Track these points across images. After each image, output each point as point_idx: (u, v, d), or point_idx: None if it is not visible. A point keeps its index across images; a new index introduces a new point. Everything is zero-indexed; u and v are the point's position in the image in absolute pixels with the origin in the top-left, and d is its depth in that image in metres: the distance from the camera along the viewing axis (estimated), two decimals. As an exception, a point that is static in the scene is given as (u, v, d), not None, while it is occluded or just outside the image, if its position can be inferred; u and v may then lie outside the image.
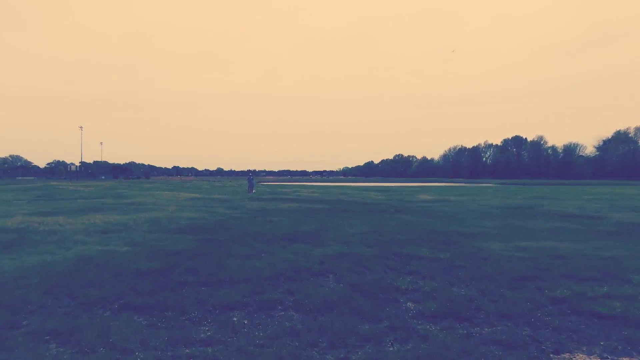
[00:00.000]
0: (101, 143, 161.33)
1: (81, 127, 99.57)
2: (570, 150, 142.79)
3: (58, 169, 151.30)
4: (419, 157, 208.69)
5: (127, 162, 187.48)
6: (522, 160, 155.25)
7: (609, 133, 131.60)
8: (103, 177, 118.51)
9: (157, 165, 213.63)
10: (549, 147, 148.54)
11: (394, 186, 52.36)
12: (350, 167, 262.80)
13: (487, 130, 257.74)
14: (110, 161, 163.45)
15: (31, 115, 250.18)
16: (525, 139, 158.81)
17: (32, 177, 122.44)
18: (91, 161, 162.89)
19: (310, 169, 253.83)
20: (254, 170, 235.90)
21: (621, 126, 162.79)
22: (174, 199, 23.19)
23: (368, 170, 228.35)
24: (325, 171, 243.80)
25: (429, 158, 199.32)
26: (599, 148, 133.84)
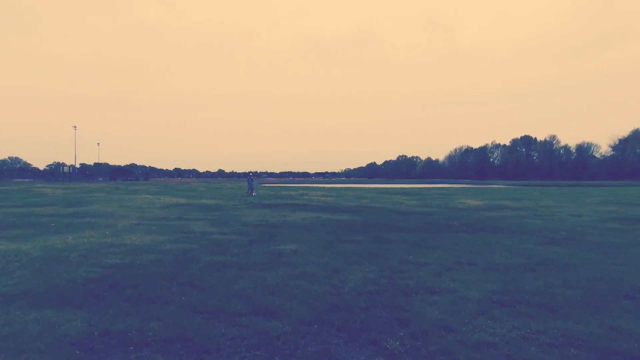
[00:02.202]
0: (98, 144, 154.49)
1: (75, 127, 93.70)
2: (584, 150, 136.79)
3: (57, 171, 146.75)
4: (422, 158, 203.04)
5: (128, 163, 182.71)
6: (532, 160, 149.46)
7: (625, 132, 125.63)
8: (100, 179, 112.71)
9: (159, 167, 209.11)
10: (561, 147, 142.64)
11: (413, 188, 46.45)
12: (352, 168, 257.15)
13: (492, 131, 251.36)
14: (112, 163, 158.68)
15: (33, 117, 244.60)
16: (535, 138, 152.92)
17: (29, 179, 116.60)
18: (92, 163, 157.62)
19: (311, 171, 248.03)
20: (255, 172, 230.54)
21: (634, 125, 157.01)
22: (147, 206, 17.46)
23: (371, 172, 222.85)
24: (327, 172, 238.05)
25: (433, 159, 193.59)
26: (614, 147, 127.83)
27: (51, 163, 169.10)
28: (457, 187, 50.11)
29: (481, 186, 59.18)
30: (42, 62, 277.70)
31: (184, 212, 14.69)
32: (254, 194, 28.72)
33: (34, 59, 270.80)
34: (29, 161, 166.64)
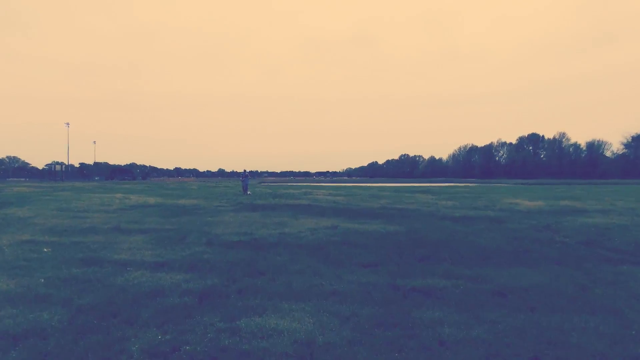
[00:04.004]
0: (94, 142, 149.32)
1: (67, 124, 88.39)
2: (594, 148, 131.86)
3: (55, 171, 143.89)
4: (425, 157, 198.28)
5: (128, 163, 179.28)
6: (540, 159, 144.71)
7: (638, 129, 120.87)
8: (97, 178, 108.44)
9: (159, 167, 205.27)
10: (571, 145, 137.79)
11: (428, 186, 41.42)
12: (353, 167, 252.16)
13: (495, 130, 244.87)
14: (112, 162, 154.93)
15: (33, 117, 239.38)
16: (543, 136, 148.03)
17: (24, 179, 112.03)
18: (91, 162, 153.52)
19: (312, 170, 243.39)
20: (256, 171, 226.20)
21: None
22: (96, 208, 12.84)
23: (372, 171, 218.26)
24: (328, 172, 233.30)
25: (436, 158, 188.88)
26: (627, 145, 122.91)
27: (50, 162, 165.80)
28: (474, 186, 45.37)
29: (494, 185, 54.34)
30: (43, 62, 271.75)
31: (136, 217, 10.05)
32: (248, 192, 24.15)
33: (35, 59, 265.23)
34: (28, 161, 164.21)
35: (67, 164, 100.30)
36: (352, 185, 45.58)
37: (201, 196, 21.20)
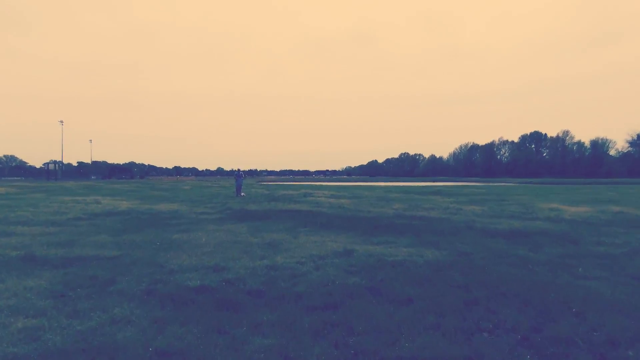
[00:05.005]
0: (90, 141, 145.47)
1: (61, 122, 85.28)
2: (599, 146, 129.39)
3: (51, 169, 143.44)
4: (426, 156, 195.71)
5: (127, 162, 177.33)
6: (542, 157, 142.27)
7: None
8: (94, 177, 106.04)
9: (158, 166, 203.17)
10: (575, 143, 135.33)
11: (434, 185, 38.65)
12: (353, 166, 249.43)
13: (496, 129, 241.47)
14: (110, 161, 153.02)
15: (33, 116, 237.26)
16: (545, 134, 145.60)
17: (19, 178, 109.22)
18: (90, 161, 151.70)
19: (312, 169, 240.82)
20: (254, 170, 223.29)
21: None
22: (40, 219, 10.29)
23: (372, 170, 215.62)
24: (328, 171, 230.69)
25: (437, 156, 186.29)
26: (632, 143, 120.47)
27: (48, 161, 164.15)
28: (482, 185, 42.83)
29: (502, 185, 51.75)
30: (42, 61, 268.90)
31: (79, 234, 7.48)
32: (242, 194, 21.65)
33: (34, 58, 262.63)
34: (26, 160, 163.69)
35: (62, 162, 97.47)
36: (354, 185, 42.99)
37: (187, 199, 18.66)
